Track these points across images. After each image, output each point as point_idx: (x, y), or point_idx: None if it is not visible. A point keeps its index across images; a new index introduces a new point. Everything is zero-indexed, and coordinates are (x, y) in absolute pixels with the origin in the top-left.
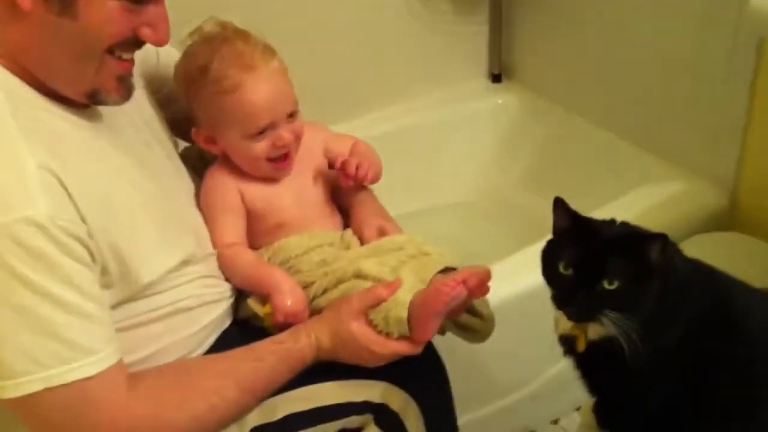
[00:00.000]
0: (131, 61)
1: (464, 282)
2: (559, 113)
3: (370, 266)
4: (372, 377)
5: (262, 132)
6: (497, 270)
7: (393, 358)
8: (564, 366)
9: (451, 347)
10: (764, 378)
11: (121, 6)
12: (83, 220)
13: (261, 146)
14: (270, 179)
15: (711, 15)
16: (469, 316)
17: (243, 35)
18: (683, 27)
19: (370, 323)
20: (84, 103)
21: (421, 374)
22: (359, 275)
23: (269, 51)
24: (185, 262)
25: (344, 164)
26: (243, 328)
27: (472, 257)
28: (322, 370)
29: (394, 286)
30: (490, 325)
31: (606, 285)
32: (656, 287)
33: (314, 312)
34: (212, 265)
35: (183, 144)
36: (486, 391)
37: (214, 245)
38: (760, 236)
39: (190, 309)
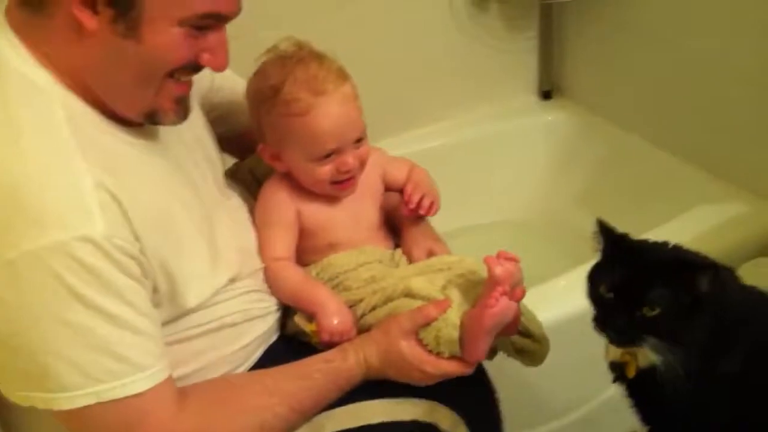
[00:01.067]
0: (190, 83)
1: (507, 293)
2: (611, 131)
3: (419, 284)
4: (421, 396)
5: (327, 156)
6: (549, 290)
7: (444, 377)
8: (616, 391)
9: (500, 367)
10: None
11: (185, 32)
12: (137, 239)
13: (325, 170)
14: (330, 199)
15: None
16: (521, 338)
17: (318, 57)
18: (744, 42)
19: (420, 342)
20: (139, 123)
21: (471, 394)
22: (408, 294)
23: (342, 75)
24: (231, 279)
25: (409, 196)
26: (290, 344)
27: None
28: (369, 387)
29: (444, 305)
30: (545, 347)
31: (646, 312)
32: (705, 319)
33: (362, 329)
34: (259, 279)
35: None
36: (536, 414)
37: (263, 258)
38: None
39: (235, 324)
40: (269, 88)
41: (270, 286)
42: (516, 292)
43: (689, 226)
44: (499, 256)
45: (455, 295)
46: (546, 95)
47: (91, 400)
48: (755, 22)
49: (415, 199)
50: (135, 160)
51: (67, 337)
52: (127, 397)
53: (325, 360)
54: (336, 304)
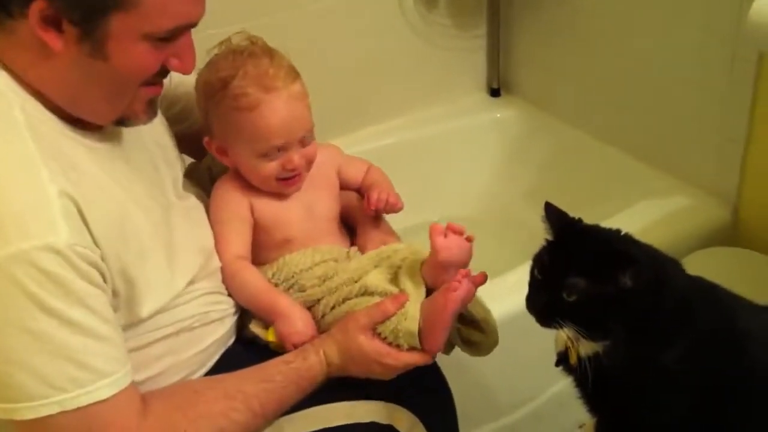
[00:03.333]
0: (161, 84)
1: (468, 276)
2: (558, 127)
3: (373, 281)
4: (379, 398)
5: (273, 153)
6: (499, 286)
7: (405, 369)
8: (567, 384)
9: (454, 365)
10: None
11: (150, 45)
12: (97, 245)
13: (271, 166)
14: (279, 195)
15: (711, 30)
16: (470, 330)
17: (270, 53)
18: (683, 41)
19: (378, 336)
20: (99, 125)
21: (428, 395)
22: (365, 292)
23: (293, 73)
24: (190, 282)
25: (370, 194)
26: (247, 346)
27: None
28: (328, 390)
29: (401, 299)
30: (493, 338)
31: (565, 297)
32: (633, 312)
33: (323, 329)
34: (217, 280)
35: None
36: (489, 409)
37: (220, 256)
38: (763, 251)
39: (193, 328)
40: (218, 81)
41: (227, 287)
42: (477, 277)
43: (635, 219)
44: (447, 228)
45: (409, 286)
46: (494, 93)
47: (54, 410)
48: (694, 21)
49: (376, 197)
50: (95, 166)
51: (29, 346)
52: (90, 405)
53: (285, 362)
54: (298, 314)
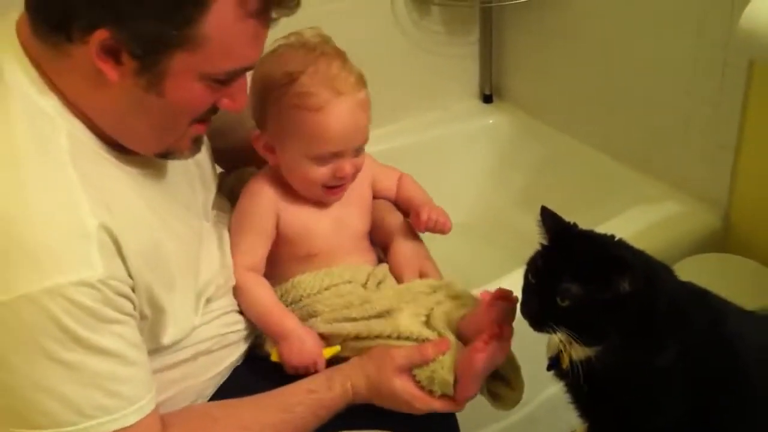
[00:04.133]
0: (209, 122)
1: (496, 335)
2: (551, 134)
3: (407, 325)
4: (387, 427)
5: (327, 158)
6: (490, 290)
7: (430, 412)
8: (559, 389)
9: None
10: (760, 402)
11: (207, 85)
12: (130, 276)
13: (321, 171)
14: (314, 203)
15: (702, 37)
16: (497, 383)
17: (341, 56)
18: (675, 49)
19: (413, 378)
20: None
21: (436, 425)
22: (399, 336)
23: (362, 81)
24: (209, 300)
25: (419, 212)
26: (252, 365)
27: (465, 278)
28: (336, 418)
29: (442, 348)
30: (519, 395)
31: (559, 302)
32: (628, 317)
33: (345, 352)
34: (235, 298)
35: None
36: (482, 414)
37: (234, 264)
38: (753, 257)
39: (210, 352)
40: (285, 75)
41: (238, 301)
42: (505, 331)
43: (626, 225)
44: (495, 295)
45: (449, 334)
46: (487, 99)
47: None
48: (685, 29)
49: (426, 216)
50: (135, 194)
51: (61, 376)
52: (115, 431)
53: (308, 390)
54: (302, 337)
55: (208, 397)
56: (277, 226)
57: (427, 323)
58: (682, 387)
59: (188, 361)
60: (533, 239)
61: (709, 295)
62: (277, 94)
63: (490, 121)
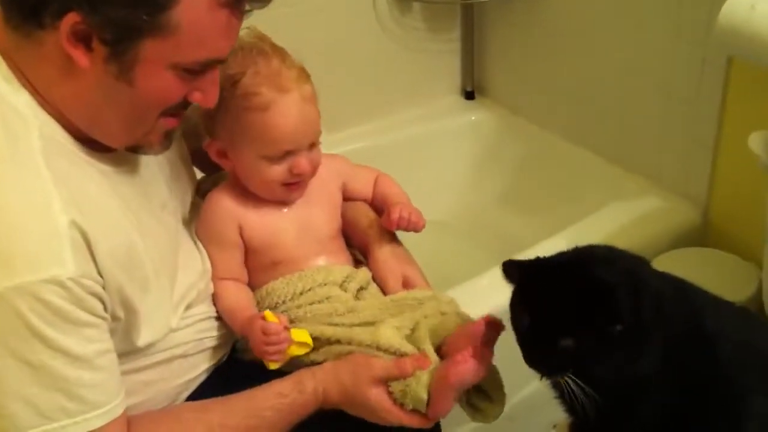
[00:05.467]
0: (181, 116)
1: (476, 354)
2: (532, 130)
3: (389, 338)
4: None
5: (281, 156)
6: (472, 288)
7: (400, 425)
8: (539, 385)
9: None
10: (737, 396)
11: (178, 75)
12: (101, 275)
13: (277, 170)
14: (274, 207)
15: (681, 33)
16: (478, 396)
17: (281, 52)
18: (654, 46)
19: (387, 390)
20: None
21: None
22: (379, 348)
23: (304, 74)
24: (187, 306)
25: (390, 211)
26: (234, 365)
27: (445, 276)
28: (317, 422)
29: (423, 364)
30: (500, 409)
31: (561, 350)
32: (619, 344)
33: (319, 355)
34: (213, 305)
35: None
36: (460, 413)
37: (212, 275)
38: (732, 251)
39: (186, 356)
40: (226, 79)
41: (216, 308)
42: (485, 353)
43: (606, 221)
44: (483, 321)
45: (430, 351)
46: (469, 95)
47: None
48: (664, 26)
49: (397, 215)
50: (107, 192)
51: (26, 377)
52: None
53: (279, 395)
54: (258, 316)
55: (181, 401)
56: (241, 236)
57: (410, 337)
58: (665, 385)
59: (163, 363)
60: (513, 236)
61: (687, 286)
62: (221, 98)
63: (472, 118)
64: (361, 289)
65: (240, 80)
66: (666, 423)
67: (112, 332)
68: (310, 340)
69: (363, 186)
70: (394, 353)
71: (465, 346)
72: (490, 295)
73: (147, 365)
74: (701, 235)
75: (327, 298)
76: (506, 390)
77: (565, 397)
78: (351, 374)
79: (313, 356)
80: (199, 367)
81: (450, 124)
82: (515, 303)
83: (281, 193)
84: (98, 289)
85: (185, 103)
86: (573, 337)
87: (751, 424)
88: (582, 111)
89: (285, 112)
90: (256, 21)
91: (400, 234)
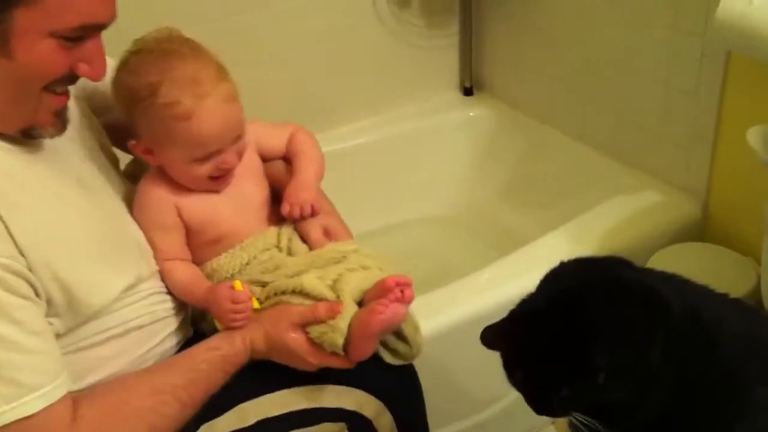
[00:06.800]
0: (68, 94)
1: (398, 300)
2: (531, 125)
3: (311, 283)
4: (346, 384)
5: (208, 156)
6: (472, 283)
7: (325, 366)
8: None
9: (424, 362)
10: (740, 387)
11: (58, 44)
12: (22, 254)
13: (204, 168)
14: (208, 192)
15: (680, 28)
16: (396, 341)
17: (195, 51)
18: (652, 40)
19: (306, 334)
20: None
21: (396, 384)
22: (301, 292)
23: (222, 73)
24: (135, 282)
25: (283, 206)
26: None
27: (445, 271)
28: (295, 375)
29: (335, 310)
30: (417, 351)
31: (558, 394)
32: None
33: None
34: (160, 280)
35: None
36: (460, 407)
37: (156, 259)
38: (732, 246)
39: (142, 327)
40: (145, 86)
41: (167, 286)
42: (406, 294)
43: (606, 215)
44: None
45: (347, 299)
46: (467, 91)
47: None
48: (662, 20)
49: (288, 209)
50: (18, 171)
51: None
52: (17, 420)
53: (211, 348)
54: (215, 290)
55: None
56: (180, 218)
57: (333, 288)
58: (664, 382)
59: (118, 337)
60: (514, 231)
61: (678, 279)
62: (142, 107)
63: (471, 114)
64: (289, 240)
65: (159, 89)
66: (669, 419)
67: (56, 314)
68: (257, 303)
69: (276, 144)
70: (315, 298)
71: (385, 291)
72: (490, 290)
73: (103, 339)
74: (700, 230)
75: (269, 260)
76: (505, 387)
77: (573, 426)
78: (272, 322)
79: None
80: (158, 336)
81: (448, 120)
82: (505, 365)
83: (210, 185)
84: (20, 268)
85: (71, 78)
86: (565, 386)
87: (756, 416)
88: (580, 105)
89: (207, 117)
90: (254, 16)
91: (399, 229)
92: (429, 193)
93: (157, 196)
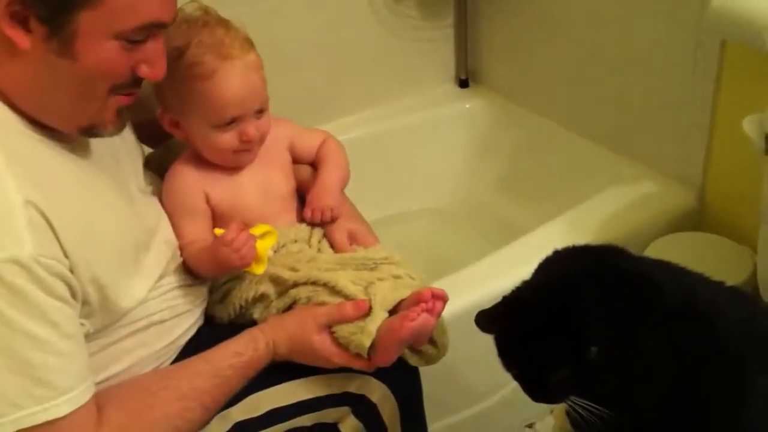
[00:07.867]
0: (134, 94)
1: (428, 311)
2: (527, 117)
3: (346, 284)
4: (352, 370)
5: (228, 123)
6: (471, 275)
7: (346, 367)
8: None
9: None
10: (741, 376)
11: (121, 46)
12: (66, 255)
13: (226, 137)
14: (234, 173)
15: (675, 17)
16: (425, 344)
17: (224, 23)
18: (648, 29)
19: (332, 335)
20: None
21: (400, 370)
22: (333, 288)
23: (248, 43)
24: (160, 276)
25: (304, 211)
26: (215, 329)
27: (443, 263)
28: (305, 366)
29: (362, 308)
30: (443, 354)
31: (553, 377)
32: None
33: (286, 302)
34: (182, 274)
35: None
36: (458, 397)
37: (180, 245)
38: (728, 235)
39: (163, 321)
40: (173, 50)
41: (195, 272)
42: (436, 306)
43: (602, 206)
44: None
45: (377, 300)
46: (463, 83)
47: (11, 429)
48: (657, 10)
49: (309, 214)
50: (62, 170)
51: None
52: (47, 422)
53: (236, 354)
54: (213, 241)
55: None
56: (208, 203)
57: (365, 290)
58: (663, 368)
59: (142, 330)
60: (510, 223)
61: (674, 267)
62: (169, 70)
63: (467, 106)
64: (319, 241)
65: (186, 51)
66: (669, 408)
67: (89, 315)
68: (269, 227)
69: (308, 147)
70: (345, 297)
71: (417, 304)
72: (488, 282)
73: (127, 334)
74: (697, 219)
75: (301, 252)
76: (503, 376)
77: (571, 415)
78: (297, 324)
79: (276, 303)
80: (176, 331)
81: (444, 113)
82: (499, 350)
83: (233, 159)
84: (62, 269)
85: (137, 80)
86: (561, 368)
87: (755, 403)
88: (576, 96)
89: (228, 79)
90: (250, 9)
91: (396, 221)
92: (425, 185)
93: (187, 179)
